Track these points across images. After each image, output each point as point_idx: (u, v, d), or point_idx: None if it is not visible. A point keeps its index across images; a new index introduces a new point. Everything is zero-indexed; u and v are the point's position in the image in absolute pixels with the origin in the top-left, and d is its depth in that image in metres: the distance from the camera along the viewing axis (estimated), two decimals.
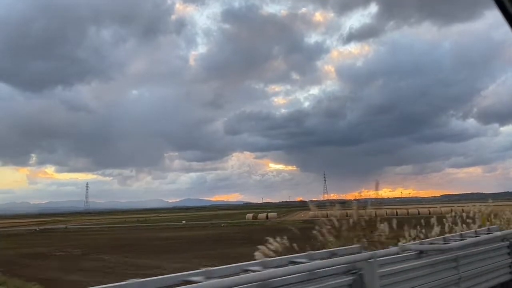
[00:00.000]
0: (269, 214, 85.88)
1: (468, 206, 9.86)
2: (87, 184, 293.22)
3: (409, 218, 9.09)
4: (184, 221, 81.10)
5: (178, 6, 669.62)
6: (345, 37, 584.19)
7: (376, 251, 4.04)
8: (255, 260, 3.90)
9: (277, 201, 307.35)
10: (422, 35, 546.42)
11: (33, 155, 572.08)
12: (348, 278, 3.75)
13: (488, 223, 8.48)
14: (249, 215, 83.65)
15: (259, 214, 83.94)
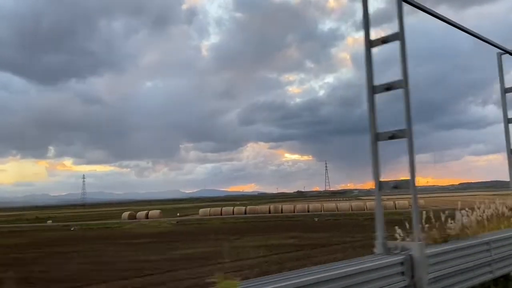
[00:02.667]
0: (150, 212, 67.96)
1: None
2: (83, 176, 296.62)
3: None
4: (50, 221, 67.30)
5: None
6: (360, 23, 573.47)
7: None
8: None
9: (292, 191, 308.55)
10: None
11: (51, 147, 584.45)
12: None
13: None
14: (125, 214, 66.36)
15: (138, 213, 67.95)
